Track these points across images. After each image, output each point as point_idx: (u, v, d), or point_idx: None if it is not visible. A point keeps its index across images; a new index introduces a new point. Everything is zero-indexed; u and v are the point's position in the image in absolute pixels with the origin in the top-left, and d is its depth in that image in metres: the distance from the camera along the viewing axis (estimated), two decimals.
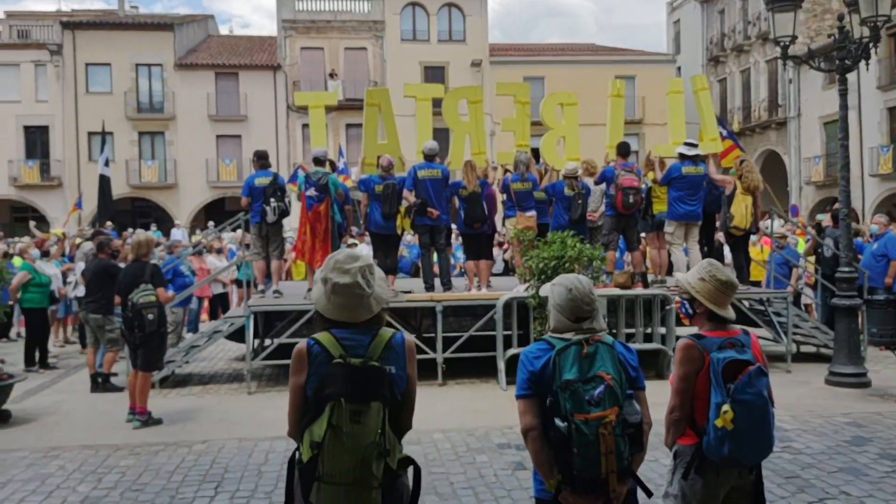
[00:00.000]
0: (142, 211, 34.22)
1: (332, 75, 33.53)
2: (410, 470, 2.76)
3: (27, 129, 33.31)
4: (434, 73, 34.36)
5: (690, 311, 3.34)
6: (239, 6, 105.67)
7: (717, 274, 3.25)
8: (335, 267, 2.79)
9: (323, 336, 2.75)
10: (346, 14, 34.66)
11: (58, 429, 7.47)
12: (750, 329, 3.99)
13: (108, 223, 20.72)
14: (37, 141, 33.61)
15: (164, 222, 31.21)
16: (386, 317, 2.92)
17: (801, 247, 13.91)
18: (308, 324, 9.09)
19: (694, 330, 3.38)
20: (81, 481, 5.80)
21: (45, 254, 11.83)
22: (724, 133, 12.43)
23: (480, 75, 34.03)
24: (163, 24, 34.40)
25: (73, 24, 33.71)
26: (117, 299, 7.97)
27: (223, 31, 44.47)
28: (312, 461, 2.57)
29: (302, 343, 2.78)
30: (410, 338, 2.90)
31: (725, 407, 3.03)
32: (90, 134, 32.81)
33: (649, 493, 2.94)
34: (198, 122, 33.51)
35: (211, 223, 27.58)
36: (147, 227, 26.00)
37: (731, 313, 3.27)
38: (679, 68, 39.62)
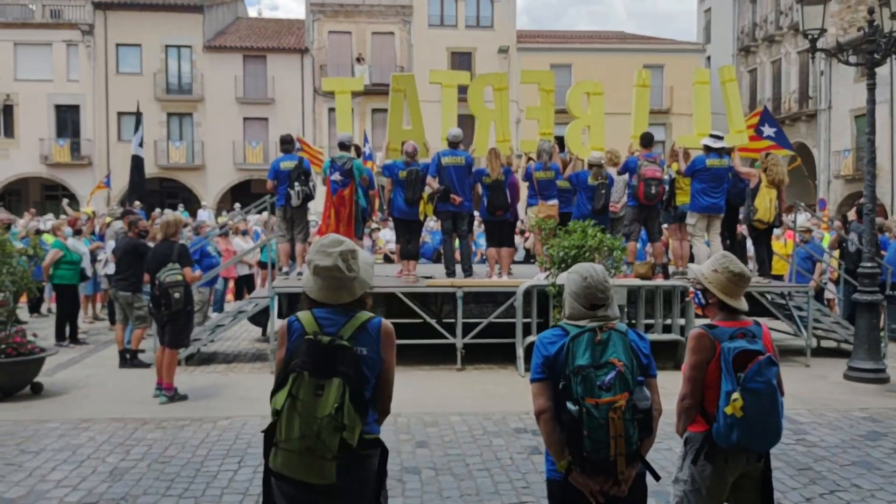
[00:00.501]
0: (169, 191, 34.64)
1: (359, 59, 33.62)
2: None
3: (58, 107, 33.80)
4: (461, 59, 34.35)
5: (703, 301, 3.42)
6: None
7: (729, 266, 3.33)
8: (319, 250, 2.93)
9: (303, 314, 2.90)
10: None
11: (87, 402, 7.71)
12: (762, 320, 4.04)
13: (137, 203, 21.07)
14: (68, 120, 34.09)
15: (191, 203, 31.57)
16: (370, 301, 3.04)
17: (826, 241, 13.83)
18: None
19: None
20: (110, 452, 6.01)
21: (77, 232, 12.09)
22: (773, 132, 11.96)
23: (507, 62, 33.94)
24: (192, 6, 34.61)
25: (105, 4, 34.04)
26: (146, 277, 8.16)
27: (252, 13, 44.72)
28: (272, 427, 2.74)
29: (285, 320, 2.94)
30: (388, 324, 2.98)
31: (735, 395, 3.11)
32: (120, 114, 33.27)
33: (657, 477, 3.04)
34: (225, 104, 33.80)
35: (237, 205, 27.85)
36: (174, 208, 26.29)
37: (743, 304, 3.35)
38: (709, 58, 39.24)
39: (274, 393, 2.76)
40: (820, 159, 33.07)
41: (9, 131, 33.60)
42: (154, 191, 32.91)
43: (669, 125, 34.12)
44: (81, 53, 33.58)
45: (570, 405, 2.88)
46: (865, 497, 5.26)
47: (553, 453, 3.01)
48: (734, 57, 38.83)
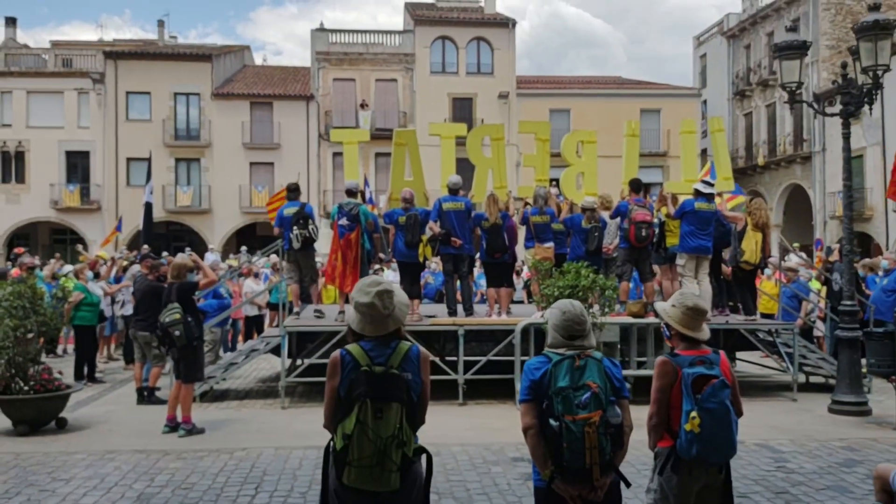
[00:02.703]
0: (176, 235, 35.29)
1: (362, 106, 34.51)
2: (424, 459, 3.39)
3: (69, 154, 34.63)
4: (462, 105, 35.25)
5: (668, 332, 3.94)
6: (272, 34, 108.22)
7: (685, 301, 3.86)
8: (359, 289, 3.48)
9: (353, 347, 3.42)
10: (378, 47, 35.76)
11: (110, 435, 8.17)
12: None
13: (145, 246, 21.67)
14: (78, 165, 34.92)
15: (196, 246, 32.19)
16: (404, 332, 3.57)
17: (816, 284, 14.32)
18: (337, 344, 9.73)
19: None
20: (136, 480, 6.47)
21: (96, 275, 12.64)
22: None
23: (507, 107, 34.85)
24: (201, 55, 35.72)
25: (116, 53, 35.15)
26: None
27: (257, 58, 45.85)
28: (344, 449, 3.24)
29: (336, 353, 3.45)
30: (424, 350, 3.54)
31: (693, 413, 3.63)
32: (129, 159, 34.14)
33: (628, 484, 3.52)
34: (232, 150, 34.64)
35: (244, 248, 28.49)
36: (182, 250, 26.94)
37: (702, 335, 3.86)
38: (705, 102, 40.15)
39: (341, 420, 3.26)
40: (815, 200, 33.72)
41: (20, 177, 34.43)
42: (161, 234, 33.55)
43: (667, 167, 34.82)
44: (92, 101, 34.51)
45: (552, 421, 3.39)
46: None
47: (538, 464, 3.50)
48: (730, 101, 39.76)
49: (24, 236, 35.39)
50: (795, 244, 25.60)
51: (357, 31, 36.10)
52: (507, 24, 36.23)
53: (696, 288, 10.34)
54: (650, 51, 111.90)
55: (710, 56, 42.72)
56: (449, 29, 35.71)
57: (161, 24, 42.44)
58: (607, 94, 36.65)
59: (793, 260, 13.86)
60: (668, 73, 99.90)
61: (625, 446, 3.51)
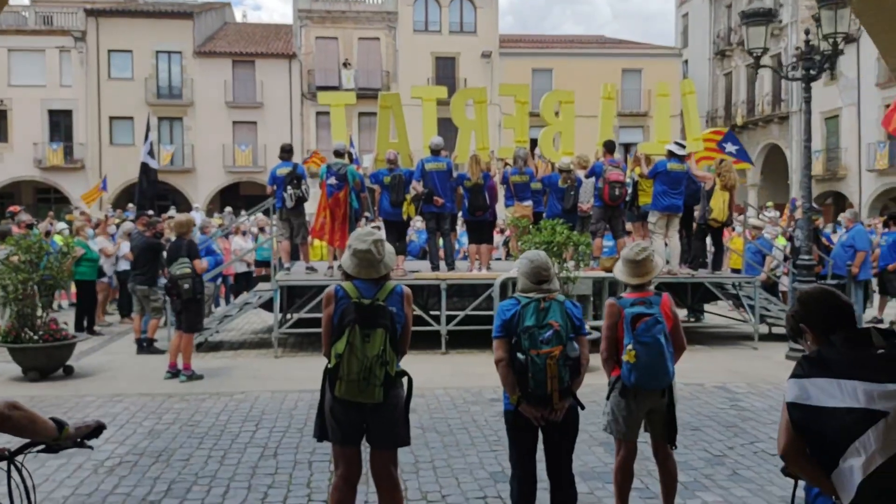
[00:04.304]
0: (160, 194, 35.25)
1: (345, 64, 34.65)
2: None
3: (51, 112, 34.57)
4: (445, 64, 35.45)
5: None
6: None
7: (624, 255, 4.54)
8: (357, 237, 4.10)
9: (346, 284, 4.03)
10: (361, 4, 35.77)
11: (115, 381, 8.74)
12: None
13: (130, 205, 22.04)
14: (61, 124, 34.90)
15: (181, 205, 32.47)
16: (391, 276, 4.16)
17: (781, 240, 15.00)
18: None
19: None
20: (145, 418, 7.06)
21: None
22: (735, 149, 13.41)
23: (490, 66, 35.08)
24: (182, 13, 35.56)
25: (97, 11, 34.90)
26: (165, 271, 9.20)
27: (237, 13, 45.61)
28: (336, 367, 3.85)
29: (330, 287, 4.07)
30: (408, 289, 4.15)
31: (629, 346, 4.26)
32: (112, 118, 34.21)
33: (582, 407, 4.15)
34: (215, 109, 34.75)
35: (228, 208, 28.86)
36: (166, 210, 27.27)
37: (641, 281, 4.46)
38: (686, 61, 40.54)
39: (334, 342, 3.86)
40: (792, 159, 34.38)
41: (2, 136, 34.40)
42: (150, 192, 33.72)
43: (647, 127, 35.24)
44: (74, 59, 34.38)
45: (519, 355, 3.99)
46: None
47: (508, 390, 4.11)
48: (710, 60, 40.14)
49: (7, 195, 35.41)
50: (769, 203, 26.39)
51: None
52: None
53: (662, 244, 10.96)
54: (636, 7, 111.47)
55: (691, 16, 42.96)
56: None
57: None
58: (589, 54, 36.93)
59: (753, 219, 14.52)
60: (654, 30, 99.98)
61: (581, 375, 4.12)
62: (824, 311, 2.53)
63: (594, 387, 5.73)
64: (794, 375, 2.35)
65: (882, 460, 2.10)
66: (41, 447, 2.64)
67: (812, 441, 2.29)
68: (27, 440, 2.61)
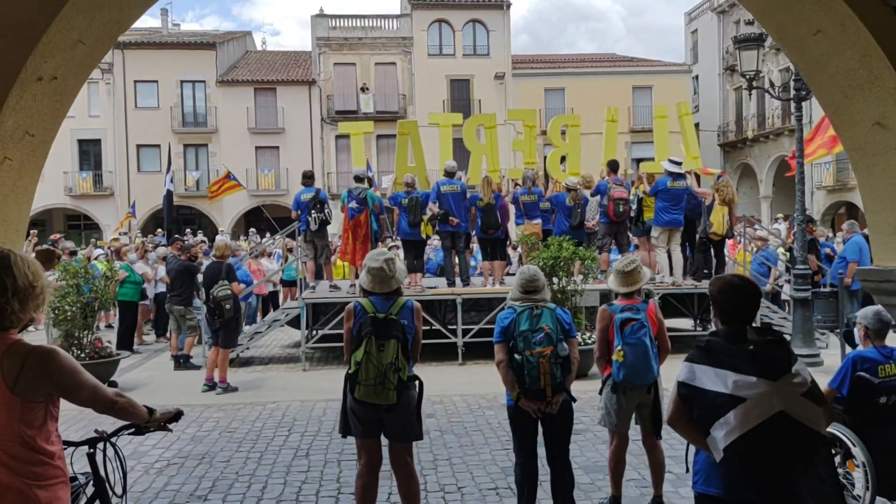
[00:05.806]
0: (186, 218, 36.53)
1: (363, 89, 35.58)
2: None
3: (81, 142, 35.82)
4: (460, 86, 36.28)
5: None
6: (269, 14, 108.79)
7: (616, 267, 5.16)
8: (370, 257, 4.78)
9: (363, 300, 4.68)
10: (377, 31, 36.75)
11: (156, 394, 9.47)
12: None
13: (159, 230, 22.98)
14: (90, 153, 36.14)
15: (207, 228, 33.44)
16: (402, 290, 4.81)
17: (783, 252, 15.53)
18: None
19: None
20: (187, 426, 7.77)
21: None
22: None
23: (503, 88, 35.85)
24: (205, 43, 36.75)
25: (123, 43, 36.09)
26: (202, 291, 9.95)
27: (257, 40, 46.79)
28: (355, 372, 4.49)
29: (351, 304, 4.73)
30: (417, 304, 4.79)
31: (619, 347, 4.89)
32: (139, 146, 35.37)
33: (574, 400, 4.79)
34: (238, 135, 35.79)
35: (252, 230, 29.77)
36: (194, 234, 28.25)
37: (631, 289, 5.10)
38: (696, 77, 41.08)
39: (353, 351, 4.49)
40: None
41: None
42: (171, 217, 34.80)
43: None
44: (102, 90, 35.59)
45: (516, 355, 4.65)
46: None
47: (508, 387, 4.77)
48: (720, 76, 40.64)
49: (39, 223, 36.62)
50: (779, 215, 26.86)
51: (356, 17, 37.07)
52: (501, 5, 37.12)
53: (665, 257, 11.57)
54: (649, 23, 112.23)
55: (700, 32, 43.53)
56: (445, 12, 36.63)
57: (164, 12, 43.47)
58: (600, 73, 37.54)
59: (760, 231, 15.06)
60: (667, 45, 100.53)
61: (572, 373, 4.76)
62: (733, 298, 3.12)
63: (595, 392, 6.35)
64: (688, 359, 3.03)
65: (739, 434, 2.77)
66: (132, 430, 3.33)
67: (691, 412, 2.98)
68: (122, 423, 3.28)
